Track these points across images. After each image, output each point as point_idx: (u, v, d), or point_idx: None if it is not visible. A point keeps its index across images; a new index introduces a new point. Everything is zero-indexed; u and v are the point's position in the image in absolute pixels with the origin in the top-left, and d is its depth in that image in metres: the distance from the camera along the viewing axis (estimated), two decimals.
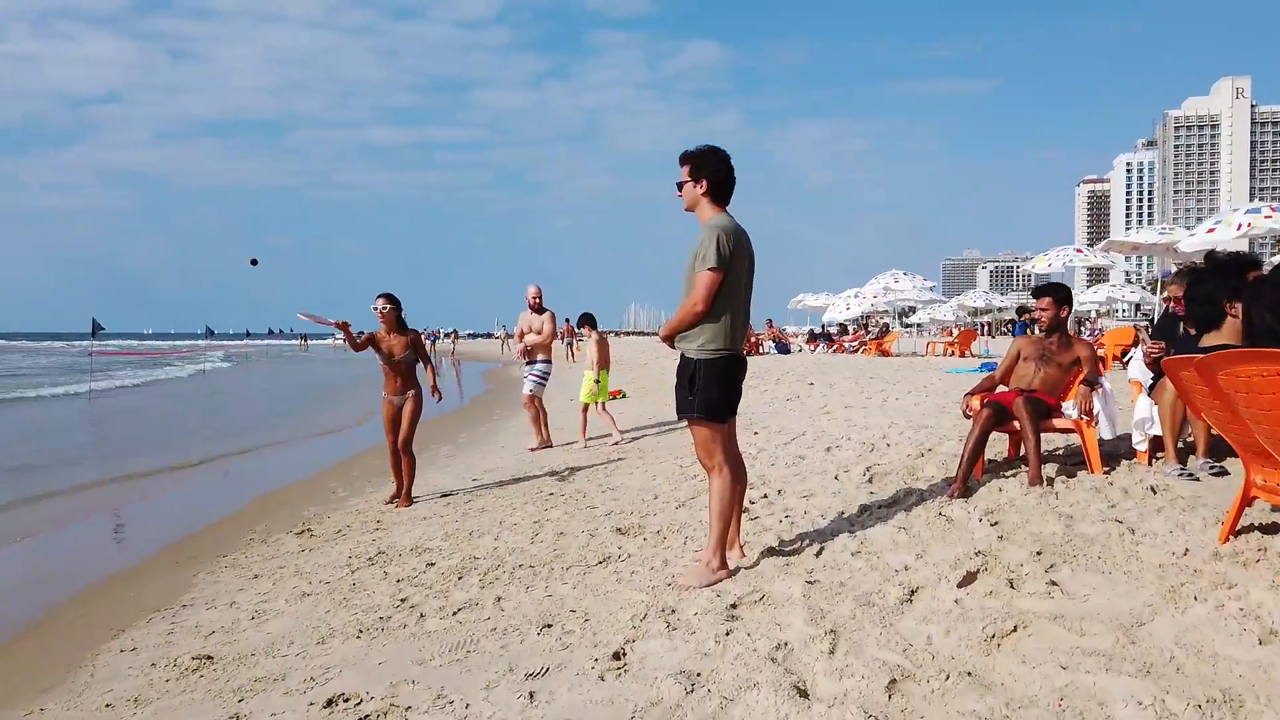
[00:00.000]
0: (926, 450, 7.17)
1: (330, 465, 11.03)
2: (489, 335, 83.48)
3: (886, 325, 32.01)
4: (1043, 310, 6.04)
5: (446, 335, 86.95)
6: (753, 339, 30.26)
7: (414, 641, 4.00)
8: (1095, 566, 3.89)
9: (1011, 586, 3.73)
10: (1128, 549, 4.05)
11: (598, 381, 10.86)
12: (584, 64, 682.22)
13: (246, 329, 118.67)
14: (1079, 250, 18.07)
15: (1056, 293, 6.03)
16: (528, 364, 10.69)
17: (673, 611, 3.86)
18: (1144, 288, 42.48)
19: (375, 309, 7.82)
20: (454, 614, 4.32)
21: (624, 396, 17.64)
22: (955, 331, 32.85)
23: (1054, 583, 3.72)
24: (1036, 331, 6.28)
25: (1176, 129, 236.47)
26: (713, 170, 4.26)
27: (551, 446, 10.60)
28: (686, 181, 4.29)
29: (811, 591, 3.92)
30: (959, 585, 3.79)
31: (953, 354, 26.98)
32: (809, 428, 9.58)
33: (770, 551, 4.66)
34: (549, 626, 3.90)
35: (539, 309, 10.59)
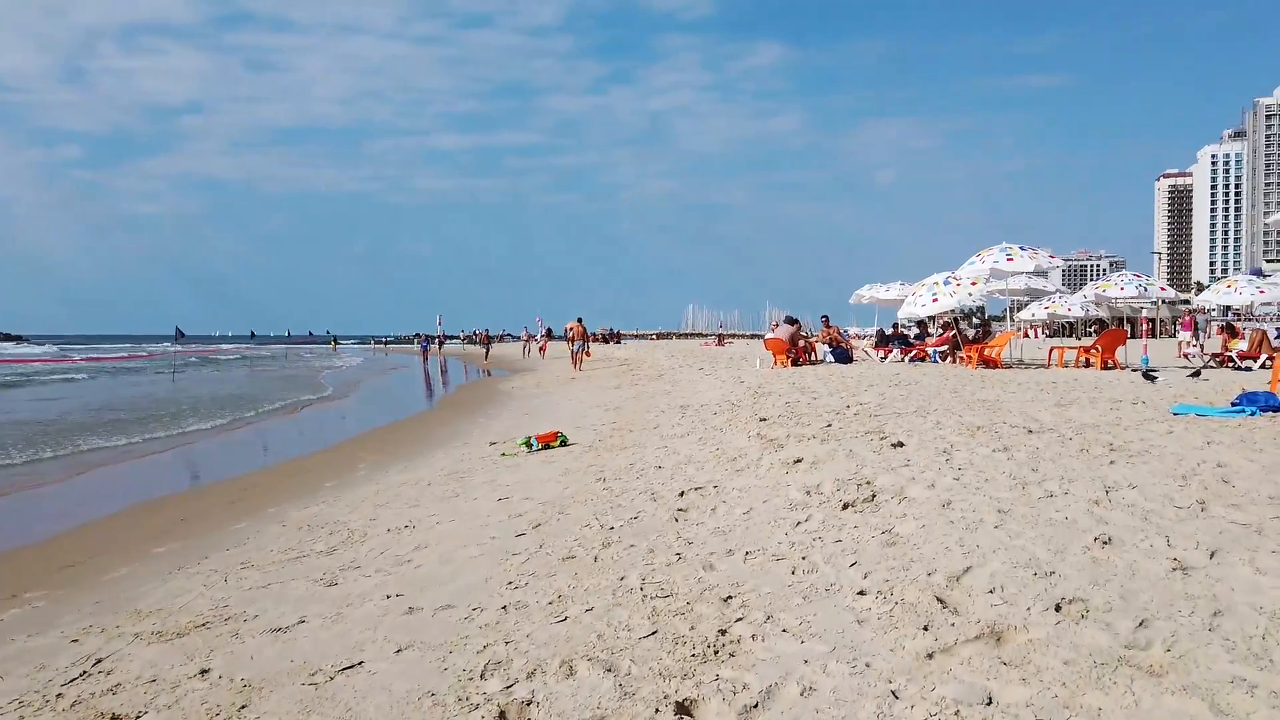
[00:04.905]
0: None
1: None
2: (515, 337, 77.90)
3: (988, 323, 23.60)
4: None
5: (468, 336, 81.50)
6: (800, 343, 22.30)
7: None
8: None
9: None
10: None
11: None
12: (648, 68, 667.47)
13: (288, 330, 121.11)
14: None
15: None
16: None
17: None
18: None
19: None
20: None
21: (562, 443, 10.23)
22: (1038, 333, 24.57)
23: None
24: None
25: (1269, 118, 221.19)
26: None
27: None
28: None
29: None
30: None
31: (1089, 364, 18.76)
32: None
33: None
34: None
35: None
